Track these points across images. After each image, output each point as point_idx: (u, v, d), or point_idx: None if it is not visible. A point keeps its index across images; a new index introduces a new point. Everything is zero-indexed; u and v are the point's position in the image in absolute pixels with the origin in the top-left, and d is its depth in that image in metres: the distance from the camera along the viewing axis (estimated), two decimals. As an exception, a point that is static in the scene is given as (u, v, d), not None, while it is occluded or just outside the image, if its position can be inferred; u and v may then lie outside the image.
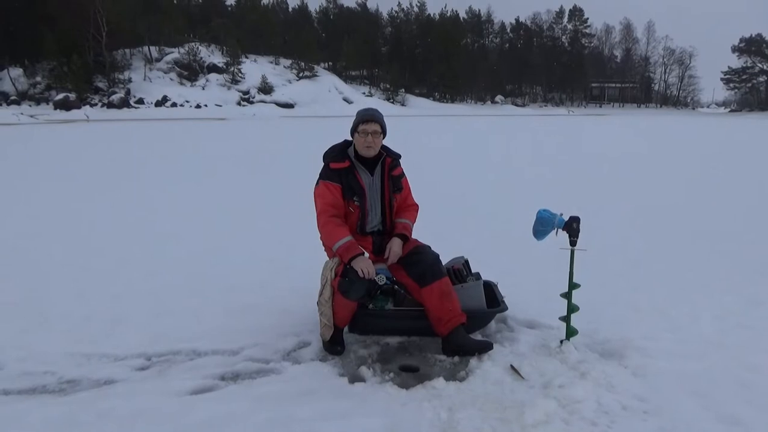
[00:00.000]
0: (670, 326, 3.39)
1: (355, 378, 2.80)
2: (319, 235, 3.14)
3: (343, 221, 3.08)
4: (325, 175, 3.12)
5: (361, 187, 3.11)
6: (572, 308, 3.06)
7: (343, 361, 3.00)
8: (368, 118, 3.12)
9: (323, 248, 3.22)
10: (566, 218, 3.08)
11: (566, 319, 3.07)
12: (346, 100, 63.82)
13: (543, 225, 3.11)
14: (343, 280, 2.92)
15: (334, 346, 3.07)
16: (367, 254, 3.04)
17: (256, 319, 3.53)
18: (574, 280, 3.07)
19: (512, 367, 2.84)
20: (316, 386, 2.71)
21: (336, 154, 3.16)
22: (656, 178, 10.21)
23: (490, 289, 3.48)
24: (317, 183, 3.16)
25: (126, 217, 6.80)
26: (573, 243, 3.06)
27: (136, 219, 6.67)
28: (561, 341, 3.08)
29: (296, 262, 4.65)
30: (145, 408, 2.52)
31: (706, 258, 4.92)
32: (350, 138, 3.24)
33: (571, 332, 3.07)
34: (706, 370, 2.83)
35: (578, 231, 3.05)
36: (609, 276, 4.28)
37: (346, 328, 3.21)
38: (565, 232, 3.07)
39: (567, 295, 3.06)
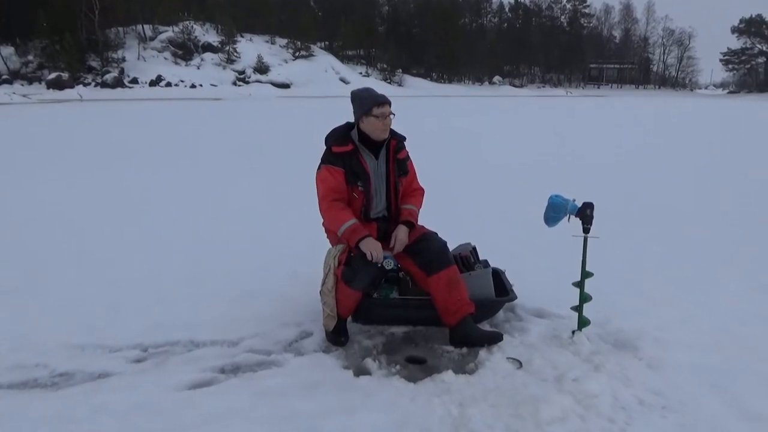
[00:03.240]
0: (682, 316, 3.30)
1: (360, 371, 2.69)
2: (322, 221, 3.02)
3: (346, 206, 2.95)
4: (328, 159, 2.98)
5: (365, 171, 2.98)
6: (584, 298, 2.95)
7: (347, 353, 2.89)
8: (383, 99, 2.98)
9: (325, 235, 3.09)
10: (579, 204, 2.96)
11: (578, 308, 2.97)
12: (342, 80, 63.13)
13: (555, 211, 2.99)
14: (347, 269, 2.80)
15: (337, 337, 2.95)
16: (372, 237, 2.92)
17: (255, 308, 3.41)
18: (587, 268, 2.96)
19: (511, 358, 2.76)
20: (319, 379, 2.60)
21: (339, 137, 3.02)
22: (661, 162, 10.05)
23: (498, 276, 3.37)
24: (319, 167, 3.02)
25: (122, 200, 6.65)
26: (586, 230, 2.94)
27: (132, 202, 6.52)
28: (573, 332, 2.98)
29: (297, 246, 4.54)
30: (142, 403, 2.40)
31: (714, 244, 4.82)
32: (351, 121, 3.09)
33: (583, 322, 2.96)
34: (724, 363, 2.74)
35: (592, 218, 2.93)
36: (617, 263, 4.16)
37: (349, 318, 3.10)
38: (578, 218, 2.96)
39: (579, 284, 2.95)
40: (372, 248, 2.76)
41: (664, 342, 2.94)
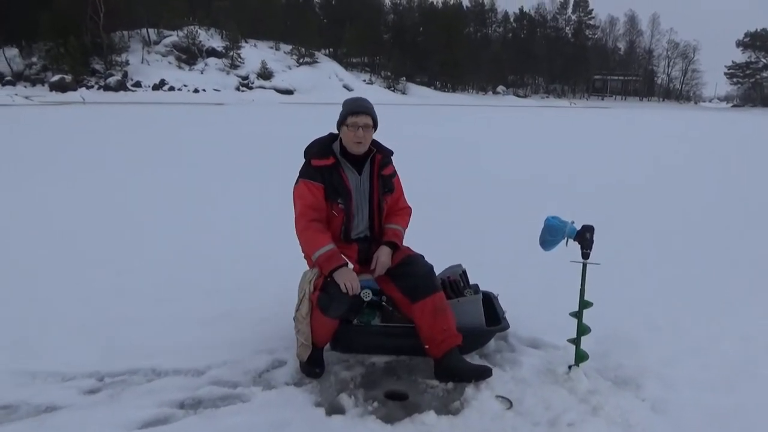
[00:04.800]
0: (690, 348, 3.03)
1: (333, 408, 2.44)
2: (298, 242, 2.77)
3: (324, 226, 2.71)
4: (306, 173, 2.74)
5: (347, 187, 2.74)
6: (583, 330, 2.70)
7: (322, 386, 2.63)
8: (359, 109, 2.74)
9: (303, 256, 2.85)
10: (578, 227, 2.71)
11: (576, 341, 2.71)
12: (346, 87, 63.08)
13: (552, 234, 2.74)
14: (323, 295, 2.55)
15: (311, 368, 2.70)
16: (351, 265, 2.67)
17: (228, 331, 3.17)
18: (587, 297, 2.71)
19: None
20: (287, 418, 2.34)
21: (319, 149, 2.78)
22: (668, 178, 9.70)
23: (489, 301, 3.13)
24: (297, 181, 2.78)
25: (107, 206, 6.42)
26: (586, 255, 2.69)
27: (117, 209, 6.28)
28: (569, 366, 2.72)
29: (285, 261, 4.22)
30: (86, 443, 2.16)
31: (724, 268, 4.52)
32: (336, 131, 2.86)
33: (580, 357, 2.71)
34: (738, 406, 2.48)
35: (592, 242, 2.69)
36: (619, 287, 3.89)
37: (327, 346, 2.85)
38: (576, 242, 2.71)
39: (577, 315, 2.70)
40: (347, 279, 2.51)
41: (669, 379, 2.68)
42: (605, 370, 2.79)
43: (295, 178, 2.80)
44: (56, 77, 48.78)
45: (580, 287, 2.70)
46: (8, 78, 49.48)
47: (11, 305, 3.49)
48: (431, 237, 3.76)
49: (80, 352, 2.89)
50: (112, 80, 51.29)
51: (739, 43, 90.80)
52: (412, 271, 2.71)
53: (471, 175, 9.37)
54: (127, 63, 54.85)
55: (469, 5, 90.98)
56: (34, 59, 52.20)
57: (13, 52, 51.59)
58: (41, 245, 4.84)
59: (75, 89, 47.94)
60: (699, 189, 8.52)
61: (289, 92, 58.91)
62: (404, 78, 73.25)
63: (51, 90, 47.30)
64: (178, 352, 2.91)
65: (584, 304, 2.69)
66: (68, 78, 48.86)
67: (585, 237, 2.68)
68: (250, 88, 58.53)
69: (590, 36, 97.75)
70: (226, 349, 2.94)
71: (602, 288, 3.36)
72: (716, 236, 5.56)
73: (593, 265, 2.69)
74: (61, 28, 48.85)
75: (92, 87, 50.53)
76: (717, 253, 4.95)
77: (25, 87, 48.60)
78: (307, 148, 2.82)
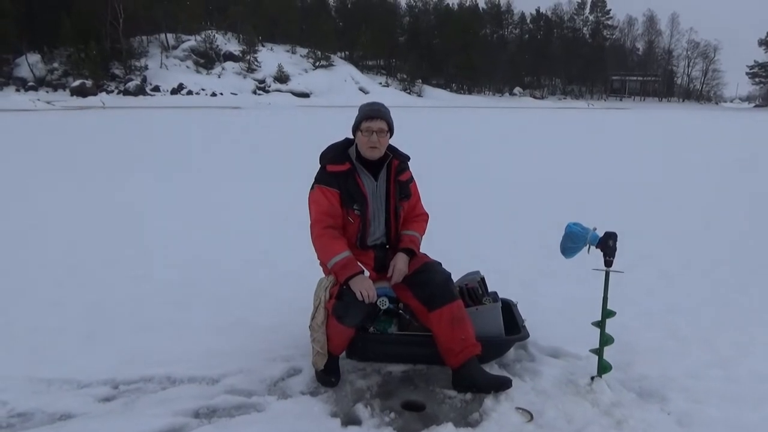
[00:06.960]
0: (716, 359, 2.94)
1: (349, 419, 2.39)
2: (314, 249, 2.73)
3: (340, 233, 2.67)
4: (322, 178, 2.70)
5: (363, 193, 2.69)
6: (606, 340, 2.62)
7: (337, 395, 2.59)
8: (373, 114, 2.69)
9: (318, 263, 2.81)
10: (600, 234, 2.64)
11: (599, 352, 2.64)
12: (362, 90, 63.24)
13: (574, 241, 2.66)
14: (339, 303, 2.51)
15: (327, 377, 2.66)
16: (367, 273, 2.63)
17: (243, 338, 3.14)
18: (609, 305, 2.63)
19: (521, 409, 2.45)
20: (303, 429, 2.31)
21: (335, 155, 2.74)
22: (690, 180, 9.51)
23: (508, 309, 3.06)
24: (312, 187, 2.74)
25: (121, 212, 6.45)
26: (608, 263, 2.61)
27: (130, 215, 6.31)
28: (592, 378, 2.65)
29: (298, 267, 4.24)
30: (100, 453, 2.14)
31: (750, 274, 4.38)
32: (351, 136, 2.82)
33: (604, 368, 2.63)
34: (766, 420, 2.39)
35: (615, 250, 2.60)
36: (641, 294, 3.81)
37: (343, 354, 2.81)
38: (598, 249, 2.63)
39: (600, 325, 2.63)
40: (363, 287, 2.47)
41: (695, 392, 2.60)
42: (629, 381, 2.71)
43: (310, 184, 2.76)
44: (77, 82, 49.62)
45: (603, 295, 2.62)
46: (31, 83, 50.34)
47: (27, 311, 3.50)
48: (449, 243, 3.70)
49: (95, 359, 2.88)
50: (131, 85, 52.03)
51: (761, 42, 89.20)
52: (429, 279, 2.66)
53: (488, 180, 9.28)
54: (146, 68, 55.57)
55: (485, 7, 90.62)
56: (56, 65, 53.06)
57: (35, 57, 52.49)
58: (55, 250, 4.87)
59: (95, 94, 48.76)
60: (722, 194, 8.33)
61: (305, 95, 59.22)
62: (420, 80, 73.15)
63: (72, 95, 48.12)
64: (193, 359, 2.89)
65: (607, 313, 2.61)
66: (89, 83, 49.70)
67: (608, 244, 2.60)
68: (267, 92, 58.94)
69: (608, 36, 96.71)
70: (240, 357, 2.92)
71: (624, 296, 3.30)
72: (741, 241, 5.41)
73: (615, 273, 2.61)
74: (82, 33, 49.70)
75: (112, 92, 51.32)
76: (742, 259, 4.81)
77: (47, 92, 49.42)
78: (322, 153, 2.78)
